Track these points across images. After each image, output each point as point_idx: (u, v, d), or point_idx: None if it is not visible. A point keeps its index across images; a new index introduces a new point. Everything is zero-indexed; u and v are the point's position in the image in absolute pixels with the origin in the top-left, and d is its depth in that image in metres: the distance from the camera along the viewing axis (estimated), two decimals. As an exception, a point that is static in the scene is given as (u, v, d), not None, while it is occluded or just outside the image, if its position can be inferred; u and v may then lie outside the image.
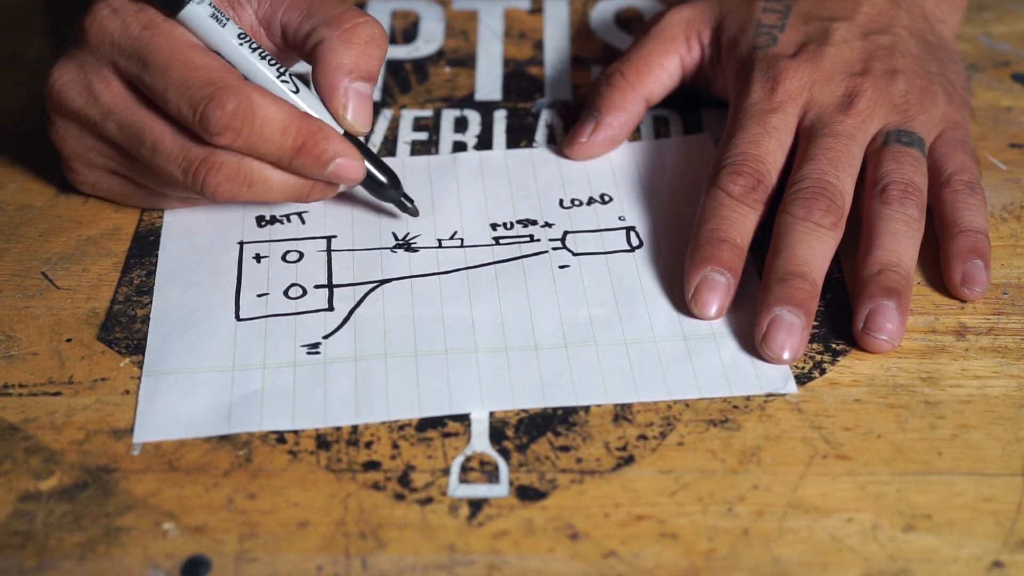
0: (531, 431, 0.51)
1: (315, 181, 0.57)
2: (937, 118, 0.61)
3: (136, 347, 0.55)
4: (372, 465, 0.50)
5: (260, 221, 0.61)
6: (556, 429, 0.51)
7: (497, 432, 0.51)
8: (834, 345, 0.54)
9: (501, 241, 0.60)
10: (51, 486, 0.49)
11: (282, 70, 0.57)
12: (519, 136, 0.67)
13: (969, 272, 0.56)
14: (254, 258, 0.59)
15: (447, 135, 0.67)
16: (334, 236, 0.60)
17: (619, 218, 0.61)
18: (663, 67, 0.65)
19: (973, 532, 0.47)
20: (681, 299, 0.56)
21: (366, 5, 0.78)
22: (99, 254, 0.60)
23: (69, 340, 0.55)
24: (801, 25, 0.63)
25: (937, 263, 0.58)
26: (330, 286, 0.58)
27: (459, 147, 0.66)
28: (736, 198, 0.57)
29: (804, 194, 0.56)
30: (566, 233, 0.60)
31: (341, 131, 0.57)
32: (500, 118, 0.68)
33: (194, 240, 0.60)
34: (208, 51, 0.56)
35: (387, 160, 0.65)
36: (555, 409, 0.52)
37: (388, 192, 0.60)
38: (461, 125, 0.68)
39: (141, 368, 0.54)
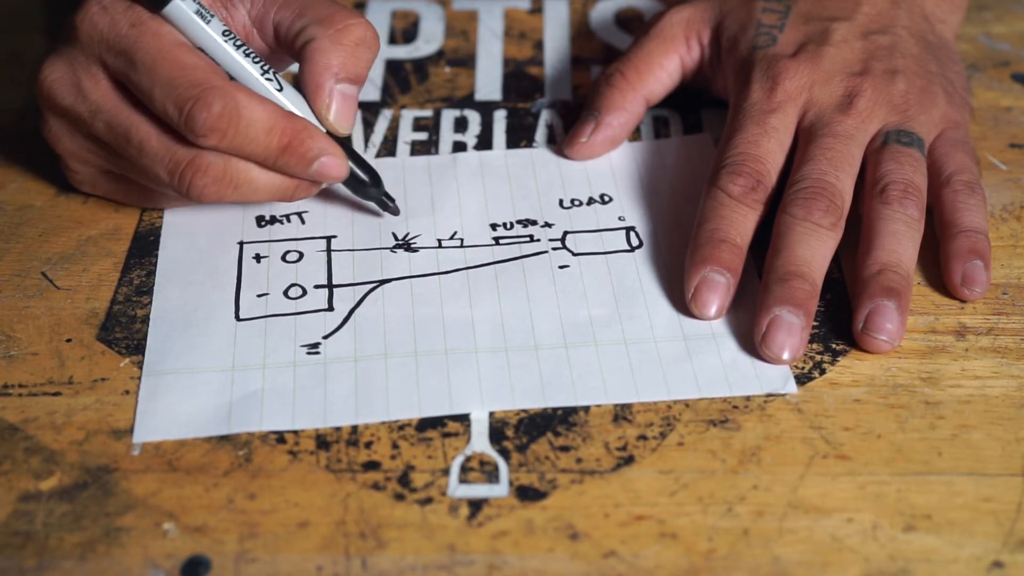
0: (531, 431, 0.51)
1: (300, 180, 0.57)
2: (937, 118, 0.61)
3: (136, 347, 0.55)
4: (372, 465, 0.50)
5: (260, 221, 0.61)
6: (556, 429, 0.51)
7: (497, 432, 0.51)
8: (834, 345, 0.54)
9: (501, 241, 0.60)
10: (51, 486, 0.49)
11: (266, 67, 0.57)
12: (519, 136, 0.67)
13: (969, 272, 0.56)
14: (254, 258, 0.59)
15: (447, 135, 0.67)
16: (334, 236, 0.60)
17: (619, 218, 0.61)
18: (663, 67, 0.65)
19: (973, 532, 0.47)
20: (681, 299, 0.56)
21: (366, 5, 0.78)
22: (99, 254, 0.60)
23: (69, 340, 0.55)
24: (801, 25, 0.63)
25: (937, 263, 0.58)
26: (330, 286, 0.58)
27: (459, 147, 0.66)
28: (736, 198, 0.57)
29: (804, 194, 0.56)
30: (566, 233, 0.60)
31: (324, 130, 0.58)
32: (500, 118, 0.68)
33: (194, 240, 0.60)
34: (195, 50, 0.56)
35: (387, 160, 0.65)
36: (555, 409, 0.52)
37: (369, 190, 0.60)
38: (461, 125, 0.68)
39: (141, 368, 0.54)
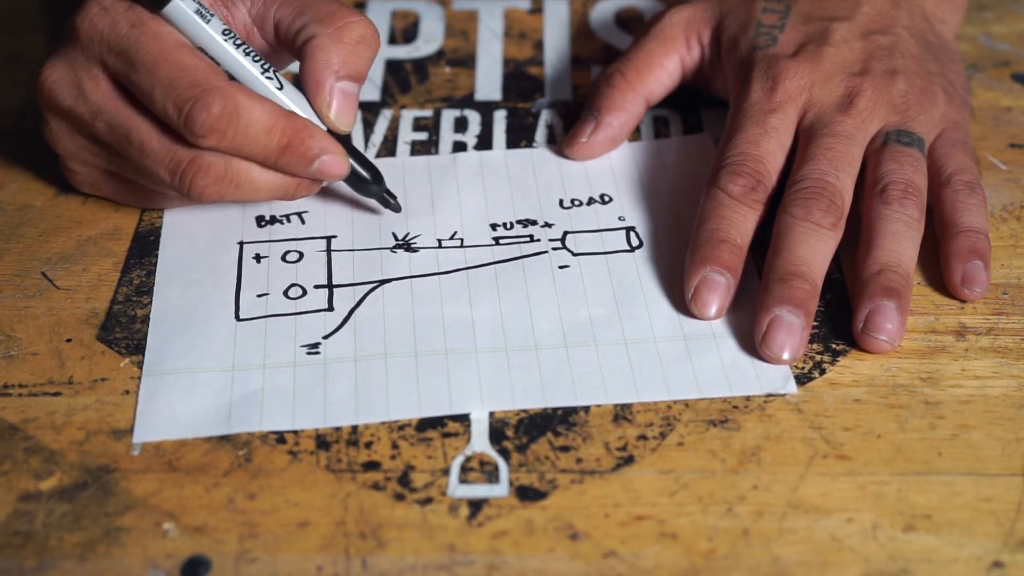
0: (531, 431, 0.51)
1: (300, 179, 0.57)
2: (937, 118, 0.61)
3: (136, 347, 0.55)
4: (372, 465, 0.50)
5: (260, 221, 0.61)
6: (556, 429, 0.51)
7: (497, 432, 0.51)
8: (834, 345, 0.54)
9: (501, 241, 0.60)
10: (51, 486, 0.49)
11: (266, 66, 0.57)
12: (519, 136, 0.67)
13: (969, 272, 0.56)
14: (254, 258, 0.59)
15: (447, 135, 0.67)
16: (334, 236, 0.60)
17: (619, 218, 0.61)
18: (663, 67, 0.65)
19: (973, 532, 0.47)
20: (681, 299, 0.56)
21: (366, 5, 0.78)
22: (99, 254, 0.60)
23: (69, 340, 0.55)
24: (801, 25, 0.63)
25: (937, 263, 0.58)
26: (330, 286, 0.58)
27: (459, 147, 0.66)
28: (736, 198, 0.57)
29: (804, 194, 0.56)
30: (566, 233, 0.60)
31: (325, 128, 0.58)
32: (500, 118, 0.68)
33: (194, 240, 0.60)
34: (195, 51, 0.56)
35: (387, 160, 0.65)
36: (555, 409, 0.52)
37: (370, 188, 0.60)
38: (461, 125, 0.68)
39: (141, 368, 0.54)
